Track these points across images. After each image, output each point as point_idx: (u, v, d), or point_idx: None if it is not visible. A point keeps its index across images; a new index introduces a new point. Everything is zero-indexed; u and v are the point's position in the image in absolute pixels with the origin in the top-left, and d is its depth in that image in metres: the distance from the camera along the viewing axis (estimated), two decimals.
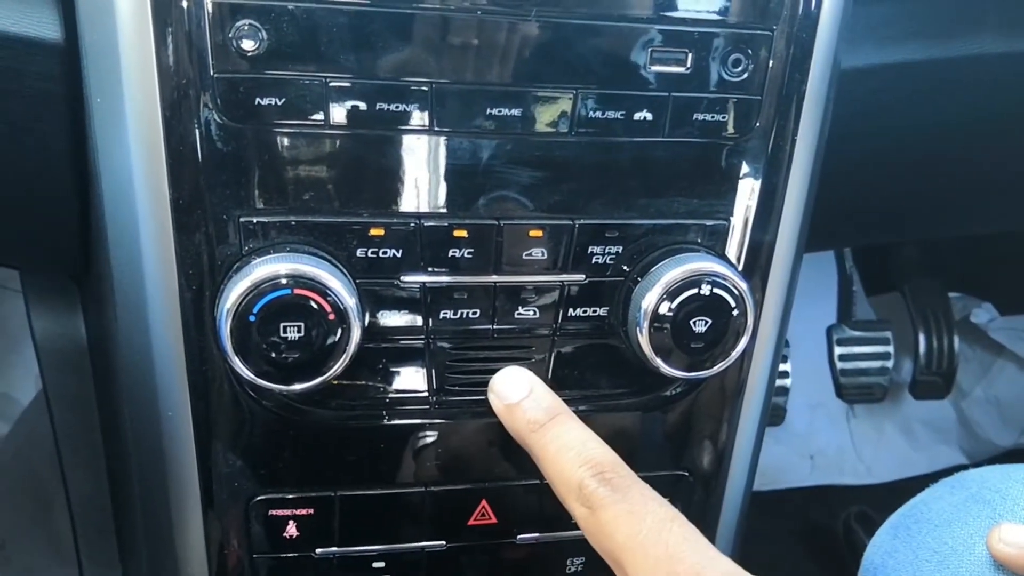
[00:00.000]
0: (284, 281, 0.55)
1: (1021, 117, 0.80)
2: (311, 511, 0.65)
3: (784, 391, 1.36)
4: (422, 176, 0.58)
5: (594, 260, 0.62)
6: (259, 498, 0.64)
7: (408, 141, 0.57)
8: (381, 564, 0.67)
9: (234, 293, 0.55)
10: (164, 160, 0.55)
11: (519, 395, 0.59)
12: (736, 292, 0.61)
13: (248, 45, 0.53)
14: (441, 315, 0.61)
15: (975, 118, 0.79)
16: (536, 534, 0.69)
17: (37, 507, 1.17)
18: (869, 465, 1.79)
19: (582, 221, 0.61)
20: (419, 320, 0.61)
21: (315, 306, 0.55)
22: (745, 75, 0.60)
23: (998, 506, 0.64)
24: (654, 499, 0.53)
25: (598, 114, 0.59)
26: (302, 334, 0.55)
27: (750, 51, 0.59)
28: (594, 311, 0.64)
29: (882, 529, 0.71)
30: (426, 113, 0.56)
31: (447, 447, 0.65)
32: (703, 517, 0.74)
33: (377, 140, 0.57)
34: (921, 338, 1.55)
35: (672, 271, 0.60)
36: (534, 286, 0.62)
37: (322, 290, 0.55)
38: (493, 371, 0.62)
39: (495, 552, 0.70)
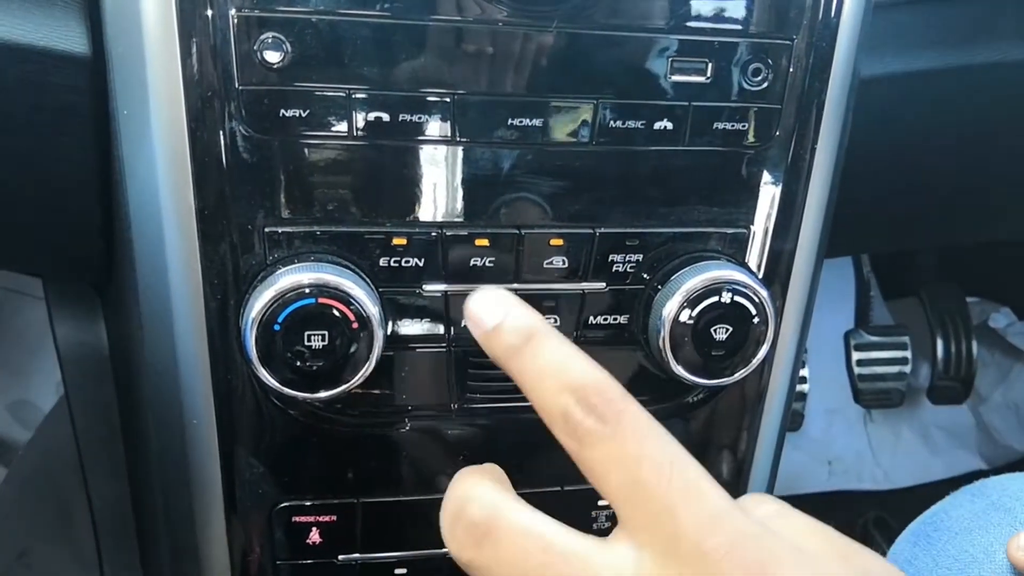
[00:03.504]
0: (308, 290, 0.55)
1: None
2: (334, 518, 0.65)
3: (802, 396, 1.36)
4: (444, 186, 0.59)
5: (615, 268, 0.63)
6: (282, 505, 0.64)
7: (430, 151, 0.58)
8: (403, 571, 0.68)
9: (259, 302, 0.55)
10: (190, 171, 0.55)
11: (495, 319, 0.51)
12: (757, 300, 0.61)
13: (272, 57, 0.54)
14: (463, 323, 0.62)
15: (995, 125, 0.79)
16: None
17: (58, 514, 1.17)
18: (887, 470, 1.79)
19: (603, 230, 0.62)
20: (441, 328, 0.62)
21: (339, 315, 0.56)
22: (765, 84, 0.60)
23: (1019, 514, 0.64)
24: (649, 434, 0.46)
25: (619, 124, 0.59)
26: (326, 343, 0.56)
27: (770, 60, 0.60)
28: (615, 319, 0.64)
29: (902, 537, 0.71)
30: (448, 124, 0.57)
31: (469, 454, 0.66)
32: None
33: (399, 151, 0.57)
34: (939, 343, 1.55)
35: (692, 279, 0.61)
36: (555, 294, 0.63)
37: (346, 299, 0.56)
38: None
39: None
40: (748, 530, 0.45)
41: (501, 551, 0.46)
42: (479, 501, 0.48)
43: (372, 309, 0.57)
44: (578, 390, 0.47)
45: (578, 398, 0.47)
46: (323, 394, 0.57)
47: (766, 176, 0.63)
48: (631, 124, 0.59)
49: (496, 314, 0.51)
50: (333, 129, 0.56)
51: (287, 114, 0.55)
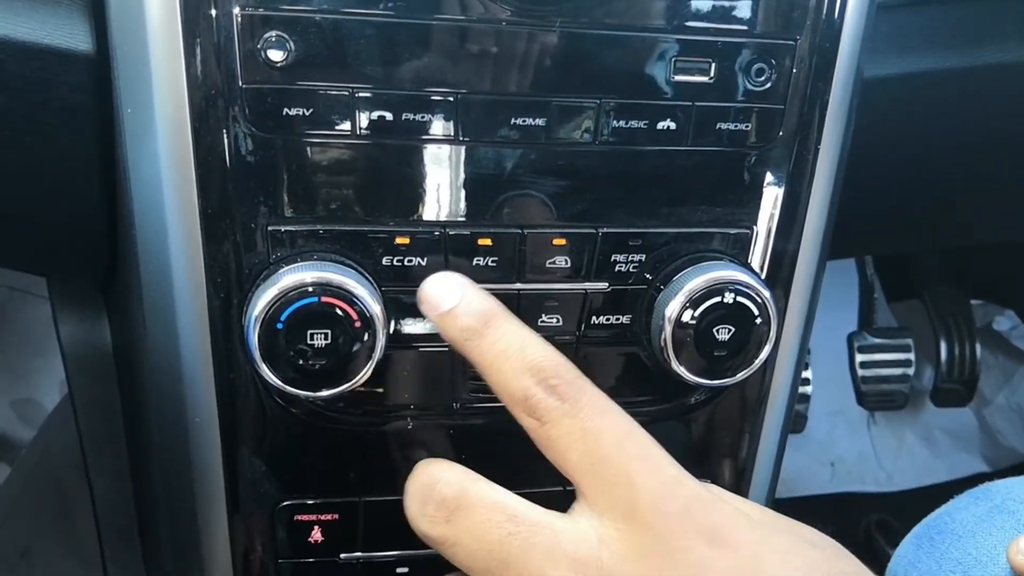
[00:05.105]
0: (311, 289, 0.55)
1: None
2: (336, 517, 0.65)
3: (805, 398, 1.35)
4: (447, 185, 0.59)
5: (617, 268, 0.63)
6: (285, 504, 0.64)
7: (433, 151, 0.58)
8: (405, 569, 0.68)
9: (262, 301, 0.55)
10: (193, 170, 0.55)
11: (451, 302, 0.53)
12: (759, 300, 0.61)
13: (276, 56, 0.54)
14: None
15: (999, 127, 0.79)
16: None
17: (61, 512, 1.17)
18: (890, 472, 1.79)
19: (605, 229, 0.62)
20: None
21: (341, 314, 0.56)
22: (768, 84, 0.60)
23: (1023, 517, 0.63)
24: (607, 410, 0.50)
25: (622, 123, 0.59)
26: (329, 341, 0.56)
27: (773, 61, 0.60)
28: (617, 319, 0.64)
29: (906, 540, 0.71)
30: (451, 123, 0.57)
31: (471, 453, 0.66)
32: None
33: (403, 150, 0.57)
34: (943, 345, 1.54)
35: (695, 279, 0.61)
36: (557, 294, 0.63)
37: (348, 298, 0.56)
38: None
39: None
40: (702, 495, 0.47)
41: (471, 523, 0.49)
42: (446, 480, 0.51)
43: (375, 308, 0.57)
44: (538, 372, 0.49)
45: (539, 379, 0.49)
46: (325, 393, 0.57)
47: (769, 176, 0.63)
48: (634, 124, 0.59)
49: (452, 296, 0.53)
50: (336, 128, 0.56)
51: (290, 113, 0.55)
